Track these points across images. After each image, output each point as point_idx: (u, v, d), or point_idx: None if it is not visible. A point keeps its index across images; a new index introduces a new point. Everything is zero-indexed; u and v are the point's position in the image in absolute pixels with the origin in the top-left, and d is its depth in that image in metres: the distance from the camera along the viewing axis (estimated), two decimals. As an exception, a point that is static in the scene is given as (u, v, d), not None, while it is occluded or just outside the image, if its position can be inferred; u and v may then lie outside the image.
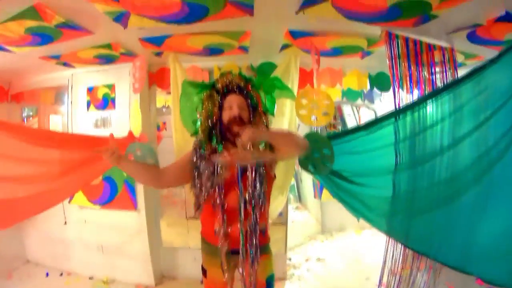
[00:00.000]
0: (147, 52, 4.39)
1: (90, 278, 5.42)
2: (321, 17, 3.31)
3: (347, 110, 8.02)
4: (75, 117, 5.33)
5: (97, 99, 5.14)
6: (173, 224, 5.31)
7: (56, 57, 4.46)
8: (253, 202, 2.60)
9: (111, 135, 2.88)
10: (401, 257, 3.73)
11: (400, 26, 3.59)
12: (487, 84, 2.67)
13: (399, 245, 3.68)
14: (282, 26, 3.73)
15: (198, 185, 2.68)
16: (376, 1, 2.97)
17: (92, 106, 5.18)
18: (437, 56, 3.86)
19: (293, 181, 9.16)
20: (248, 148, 2.36)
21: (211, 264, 2.80)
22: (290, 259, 6.10)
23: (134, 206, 5.03)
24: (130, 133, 3.84)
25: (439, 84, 3.85)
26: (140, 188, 5.00)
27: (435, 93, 2.99)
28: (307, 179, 8.28)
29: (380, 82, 5.17)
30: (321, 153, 3.17)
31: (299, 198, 9.57)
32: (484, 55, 4.42)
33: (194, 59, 4.72)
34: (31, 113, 6.78)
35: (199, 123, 2.79)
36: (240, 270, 2.75)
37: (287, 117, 4.32)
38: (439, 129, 3.01)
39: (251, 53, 4.54)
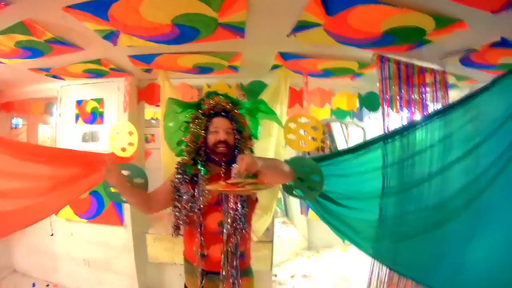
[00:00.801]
0: (136, 69, 4.39)
1: None
2: (313, 42, 3.33)
3: (336, 127, 8.04)
4: (63, 130, 5.33)
5: (86, 113, 5.15)
6: (159, 239, 5.29)
7: (46, 70, 4.47)
8: (234, 225, 2.56)
9: (112, 153, 2.94)
10: (386, 278, 3.68)
11: (393, 52, 3.61)
12: (478, 112, 2.69)
13: (386, 268, 3.64)
14: (273, 48, 3.74)
15: (178, 207, 2.64)
16: (370, 28, 2.99)
17: (80, 120, 5.19)
18: (429, 78, 3.88)
19: (280, 195, 9.15)
20: (243, 176, 2.15)
21: (192, 284, 2.79)
22: (275, 276, 6.12)
23: (120, 221, 5.04)
24: (113, 154, 3.86)
25: (429, 105, 3.87)
26: (127, 204, 4.90)
27: (426, 119, 3.00)
28: None
29: (370, 102, 5.23)
30: (309, 179, 3.13)
31: (286, 212, 9.60)
32: (477, 78, 4.47)
33: (184, 76, 4.72)
34: (20, 123, 6.76)
35: (184, 145, 2.78)
36: None
37: (275, 138, 4.33)
38: (428, 155, 3.00)
39: (241, 72, 4.55)
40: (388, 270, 3.64)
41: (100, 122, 5.05)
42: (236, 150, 2.69)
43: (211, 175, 2.59)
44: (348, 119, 6.40)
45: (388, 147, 3.08)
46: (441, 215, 2.97)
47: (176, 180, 2.64)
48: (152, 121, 6.46)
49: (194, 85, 4.93)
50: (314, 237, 7.76)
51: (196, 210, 2.56)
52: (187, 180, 2.62)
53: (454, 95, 3.02)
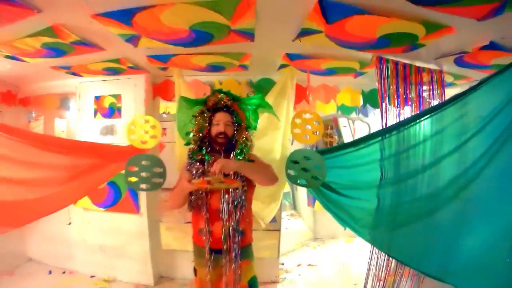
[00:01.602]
0: (152, 66, 4.60)
1: (92, 276, 5.57)
2: (316, 45, 3.52)
3: (343, 121, 8.15)
4: (82, 124, 5.50)
5: (104, 108, 5.31)
6: (171, 228, 5.47)
7: (66, 68, 4.62)
8: (235, 203, 2.97)
9: (131, 146, 3.45)
10: (385, 264, 3.89)
11: (390, 53, 3.77)
12: (468, 109, 2.85)
13: (383, 253, 3.84)
14: (280, 50, 3.93)
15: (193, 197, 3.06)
16: (366, 33, 3.15)
17: (98, 114, 5.35)
18: (425, 77, 4.06)
19: (288, 189, 9.29)
20: (218, 175, 2.77)
21: (200, 264, 3.11)
22: (282, 264, 6.29)
23: (136, 210, 5.26)
24: (131, 146, 3.97)
25: (426, 102, 4.04)
26: (142, 193, 5.20)
27: (420, 116, 3.20)
28: (302, 189, 8.37)
29: (372, 99, 5.34)
30: (312, 169, 3.37)
31: (294, 205, 9.64)
32: (473, 76, 4.57)
33: (196, 73, 4.93)
34: (34, 116, 6.88)
35: (191, 134, 3.16)
36: (224, 269, 3.04)
37: (281, 131, 4.49)
38: (421, 149, 3.19)
39: (251, 70, 4.74)
40: (386, 257, 3.84)
41: (118, 116, 5.24)
42: (234, 141, 3.11)
43: (213, 161, 2.91)
44: (353, 114, 6.48)
45: (386, 141, 3.27)
46: (433, 205, 3.16)
47: (187, 163, 3.08)
48: (164, 115, 6.60)
49: (206, 82, 5.11)
50: (320, 228, 7.90)
51: (202, 192, 3.00)
52: (195, 162, 3.04)
53: (452, 92, 3.17)
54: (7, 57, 3.95)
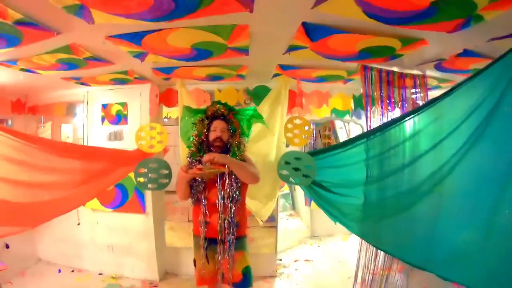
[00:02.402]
0: (156, 77, 4.84)
1: (100, 274, 5.84)
2: (304, 58, 3.80)
3: (339, 124, 8.49)
4: (90, 130, 5.73)
5: (111, 115, 5.56)
6: (175, 227, 5.71)
7: (77, 79, 4.86)
8: (231, 198, 3.37)
9: (138, 150, 3.83)
10: (373, 256, 4.19)
11: (373, 63, 4.04)
12: (442, 113, 3.10)
13: (372, 247, 4.12)
14: (273, 62, 4.22)
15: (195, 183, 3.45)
16: (347, 48, 3.43)
17: (106, 121, 5.60)
18: (408, 82, 4.31)
19: (288, 190, 9.49)
20: (206, 165, 3.19)
21: (198, 254, 3.49)
22: (280, 260, 6.55)
23: (143, 210, 5.53)
24: (139, 150, 4.23)
25: (415, 104, 4.32)
26: (148, 194, 5.51)
27: (400, 119, 3.44)
28: (300, 190, 8.60)
29: (362, 103, 5.51)
30: (303, 168, 3.67)
31: (293, 206, 9.80)
32: (457, 80, 4.60)
33: (198, 82, 5.26)
34: (42, 122, 7.03)
35: (192, 139, 3.56)
36: (219, 257, 3.41)
37: (277, 136, 4.74)
38: (402, 149, 3.47)
39: (248, 79, 5.03)
40: (374, 250, 4.14)
41: (124, 123, 5.50)
42: (228, 145, 3.49)
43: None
44: (347, 117, 6.71)
45: (370, 142, 3.54)
46: (412, 199, 3.42)
47: (187, 163, 3.44)
48: (165, 119, 6.77)
49: (206, 90, 5.40)
50: (317, 226, 8.21)
51: (201, 187, 3.42)
52: (194, 162, 3.41)
53: (437, 94, 3.35)
54: (22, 69, 4.10)
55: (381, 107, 4.16)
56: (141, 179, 3.79)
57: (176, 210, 6.68)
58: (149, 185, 3.82)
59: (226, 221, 3.36)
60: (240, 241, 3.48)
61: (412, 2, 2.40)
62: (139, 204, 5.54)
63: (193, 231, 3.62)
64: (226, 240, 3.37)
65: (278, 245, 5.88)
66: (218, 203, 3.37)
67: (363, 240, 4.19)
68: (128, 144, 5.05)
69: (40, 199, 3.74)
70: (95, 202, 5.64)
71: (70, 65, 3.94)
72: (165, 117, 6.86)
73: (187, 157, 3.52)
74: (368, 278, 4.29)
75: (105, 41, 3.16)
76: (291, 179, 3.88)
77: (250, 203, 4.42)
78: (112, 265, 5.87)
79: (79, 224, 5.97)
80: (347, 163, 3.79)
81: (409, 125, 3.42)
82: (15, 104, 6.19)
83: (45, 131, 6.80)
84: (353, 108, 5.92)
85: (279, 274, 5.96)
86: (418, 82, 4.42)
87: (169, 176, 3.87)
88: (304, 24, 2.88)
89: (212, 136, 3.48)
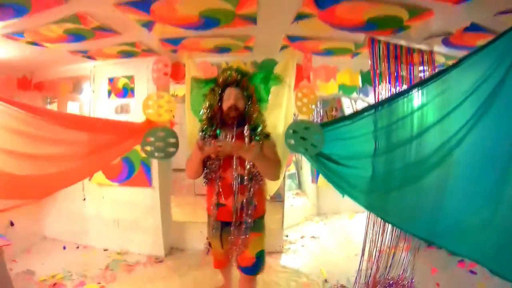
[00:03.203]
0: (164, 50, 4.79)
1: (105, 250, 5.90)
2: (312, 28, 3.80)
3: (346, 103, 8.44)
4: (96, 105, 5.76)
5: (118, 89, 5.58)
6: (181, 203, 5.73)
7: (84, 52, 4.87)
8: (250, 176, 3.17)
9: (147, 120, 3.82)
10: (381, 231, 4.20)
11: (380, 35, 4.01)
12: (450, 85, 3.06)
13: (379, 221, 4.15)
14: (280, 32, 4.19)
15: (208, 165, 3.26)
16: (355, 17, 3.44)
17: (113, 95, 5.63)
18: (416, 58, 4.27)
19: (294, 170, 9.46)
20: (227, 139, 3.01)
21: (215, 236, 3.38)
22: (287, 236, 6.59)
23: (149, 183, 5.55)
24: (148, 120, 4.10)
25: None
26: (155, 168, 5.53)
27: (407, 90, 3.40)
28: (306, 167, 8.63)
29: (370, 79, 5.43)
30: (311, 137, 3.56)
31: (299, 185, 9.75)
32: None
33: (205, 55, 5.15)
34: (48, 100, 7.09)
35: (202, 112, 3.37)
36: (232, 240, 3.27)
37: (284, 108, 4.72)
38: (409, 120, 3.43)
39: (255, 52, 4.99)
40: (382, 223, 4.17)
41: (131, 96, 5.54)
42: (246, 115, 3.24)
43: (225, 134, 3.13)
44: (354, 94, 6.69)
45: (378, 114, 3.48)
46: (420, 170, 3.40)
47: (200, 140, 3.07)
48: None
49: (214, 63, 5.32)
50: (323, 204, 8.21)
51: (216, 165, 3.21)
52: (208, 138, 3.16)
53: None
54: (29, 43, 4.12)
55: (389, 83, 4.13)
56: (148, 148, 3.75)
57: (183, 188, 6.70)
58: (156, 154, 3.76)
59: (243, 202, 3.17)
60: (257, 222, 3.33)
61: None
62: (145, 177, 5.56)
63: (207, 211, 3.41)
64: (242, 223, 3.20)
65: (284, 222, 5.97)
66: (235, 183, 3.13)
67: (370, 214, 4.22)
68: (135, 117, 5.03)
69: (46, 172, 3.75)
70: (101, 177, 5.71)
71: (78, 36, 3.95)
72: (172, 95, 6.85)
73: (199, 132, 3.31)
74: (375, 254, 4.28)
75: (114, 9, 3.15)
76: (299, 148, 3.73)
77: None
78: (117, 240, 5.91)
79: (84, 199, 6.02)
80: (355, 135, 3.72)
81: (417, 97, 3.38)
82: (21, 81, 6.19)
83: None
84: (360, 84, 5.98)
85: (285, 250, 6.00)
86: (426, 58, 4.36)
87: (176, 145, 3.77)
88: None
89: (225, 105, 3.20)
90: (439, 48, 4.48)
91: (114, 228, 5.90)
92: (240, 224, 3.21)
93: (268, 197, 4.76)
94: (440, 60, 5.04)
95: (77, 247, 6.03)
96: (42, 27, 3.59)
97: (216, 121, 3.26)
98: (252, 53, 5.10)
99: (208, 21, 3.54)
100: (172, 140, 3.77)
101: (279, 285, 4.77)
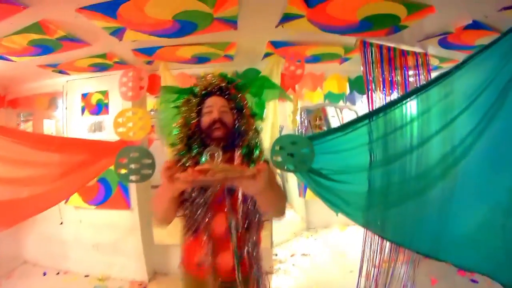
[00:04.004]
0: (139, 61, 4.58)
1: (86, 276, 5.59)
2: (299, 31, 3.56)
3: (331, 112, 8.24)
4: (70, 122, 5.52)
5: (92, 105, 5.34)
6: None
7: (54, 66, 4.64)
8: (246, 222, 2.19)
9: (121, 141, 3.38)
10: (378, 249, 3.97)
11: (373, 36, 3.81)
12: (453, 88, 2.84)
13: (377, 237, 3.91)
14: (264, 37, 3.97)
15: (187, 207, 2.23)
16: (348, 16, 3.21)
17: (86, 112, 5.39)
18: (411, 61, 4.09)
19: (280, 183, 9.30)
20: (217, 160, 1.85)
21: None
22: (276, 255, 6.32)
23: (128, 205, 5.28)
24: (121, 141, 3.96)
25: (412, 87, 4.05)
26: (133, 188, 5.26)
27: (405, 96, 3.20)
28: (292, 180, 8.41)
29: (359, 85, 5.36)
30: (300, 153, 3.30)
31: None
32: (459, 58, 4.38)
33: (182, 66, 4.91)
34: (24, 119, 6.91)
35: (175, 131, 2.33)
36: None
37: (271, 120, 4.53)
38: (409, 129, 3.21)
39: (236, 60, 4.76)
40: (380, 242, 3.94)
41: (106, 113, 5.28)
42: (237, 133, 2.25)
43: (212, 155, 1.86)
44: (341, 103, 6.56)
45: (373, 124, 3.25)
46: (422, 184, 3.19)
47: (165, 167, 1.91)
48: (152, 112, 6.63)
49: (192, 74, 5.05)
50: (313, 218, 7.96)
51: (201, 210, 2.16)
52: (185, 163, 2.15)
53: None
54: None
55: (383, 88, 3.95)
56: (123, 170, 3.47)
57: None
58: (131, 177, 3.46)
59: (246, 255, 2.23)
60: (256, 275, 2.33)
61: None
62: (123, 199, 5.30)
63: (185, 266, 2.45)
64: (251, 278, 2.29)
65: (273, 239, 5.66)
66: (231, 233, 2.15)
67: (367, 231, 3.99)
68: (110, 135, 4.73)
69: (15, 197, 3.52)
70: (77, 199, 5.41)
71: (44, 48, 3.75)
72: (152, 110, 6.63)
73: (174, 158, 2.25)
74: (374, 272, 4.10)
75: (77, 14, 2.93)
76: (286, 166, 3.42)
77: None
78: (98, 265, 5.62)
79: (61, 223, 5.75)
80: (348, 148, 3.48)
81: (416, 103, 3.15)
82: (-7, 98, 5.97)
83: (27, 128, 6.80)
84: (348, 91, 5.77)
85: (275, 270, 5.76)
86: (420, 60, 4.20)
87: (152, 166, 3.44)
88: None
89: (206, 120, 2.20)
90: (433, 50, 4.36)
91: (94, 252, 5.64)
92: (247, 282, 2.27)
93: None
94: (434, 62, 4.92)
95: (58, 273, 5.78)
96: (4, 39, 3.42)
97: (196, 143, 2.22)
98: (233, 62, 4.87)
99: (184, 25, 3.29)
100: (147, 161, 3.44)
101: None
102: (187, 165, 2.13)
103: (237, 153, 2.19)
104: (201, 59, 4.69)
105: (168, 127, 2.59)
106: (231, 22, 3.29)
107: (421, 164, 3.18)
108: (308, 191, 7.39)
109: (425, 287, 4.50)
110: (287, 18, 3.25)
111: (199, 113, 2.29)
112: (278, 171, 3.64)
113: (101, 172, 4.20)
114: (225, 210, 2.17)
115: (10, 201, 3.49)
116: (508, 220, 2.63)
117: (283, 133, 4.82)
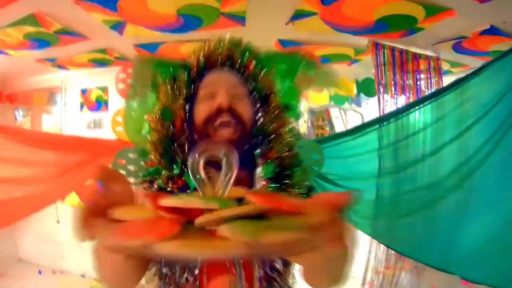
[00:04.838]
0: None
1: (82, 276, 5.50)
2: (310, 30, 3.45)
3: (334, 112, 8.15)
4: (68, 119, 5.45)
5: (91, 102, 5.27)
6: None
7: (52, 61, 4.56)
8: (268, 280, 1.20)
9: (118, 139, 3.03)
10: (383, 257, 3.88)
11: (387, 38, 3.72)
12: (469, 96, 2.75)
13: (382, 246, 3.82)
14: (272, 36, 3.85)
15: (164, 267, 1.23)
16: (364, 16, 3.10)
17: (85, 108, 5.31)
18: (423, 65, 4.00)
19: None
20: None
21: None
22: None
23: None
24: (120, 139, 3.89)
25: (424, 90, 3.99)
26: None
27: (419, 102, 3.10)
28: None
29: (366, 88, 5.21)
30: (307, 157, 3.19)
31: None
32: (470, 64, 4.50)
33: None
34: (23, 113, 6.83)
35: (147, 130, 1.41)
36: None
37: None
38: (421, 137, 3.12)
39: None
40: (385, 250, 3.83)
41: (105, 110, 5.19)
42: (259, 135, 1.28)
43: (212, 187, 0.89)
44: (346, 105, 6.47)
45: (384, 129, 3.16)
46: (434, 194, 3.07)
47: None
48: None
49: None
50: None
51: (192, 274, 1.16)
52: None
53: (449, 80, 3.10)
54: None
55: (394, 91, 3.86)
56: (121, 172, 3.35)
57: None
58: (129, 179, 3.36)
59: None
60: None
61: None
62: (121, 198, 5.11)
63: None
64: None
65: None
66: None
67: (373, 240, 3.89)
68: (109, 132, 4.66)
69: (11, 196, 3.42)
70: (74, 198, 5.12)
71: (41, 42, 3.67)
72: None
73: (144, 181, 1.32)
74: (377, 282, 4.04)
75: (75, 6, 2.82)
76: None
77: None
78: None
79: (58, 221, 5.63)
80: (356, 153, 3.38)
81: (430, 110, 3.04)
82: (-10, 93, 5.93)
83: (25, 123, 6.71)
84: (355, 94, 5.64)
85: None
86: (432, 64, 4.12)
87: None
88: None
89: (204, 112, 1.18)
90: (444, 54, 4.25)
91: (91, 252, 5.39)
92: None
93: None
94: (444, 67, 4.75)
95: (53, 272, 5.71)
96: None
97: (181, 153, 1.23)
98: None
99: (188, 20, 3.16)
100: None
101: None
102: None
103: (259, 173, 1.25)
104: (205, 57, 4.54)
105: (137, 121, 1.57)
106: (239, 19, 3.18)
107: (433, 174, 3.07)
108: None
109: (429, 297, 4.34)
110: (299, 15, 3.13)
111: (190, 100, 1.27)
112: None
113: (99, 172, 4.05)
114: (228, 271, 1.15)
115: (6, 201, 3.38)
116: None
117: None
